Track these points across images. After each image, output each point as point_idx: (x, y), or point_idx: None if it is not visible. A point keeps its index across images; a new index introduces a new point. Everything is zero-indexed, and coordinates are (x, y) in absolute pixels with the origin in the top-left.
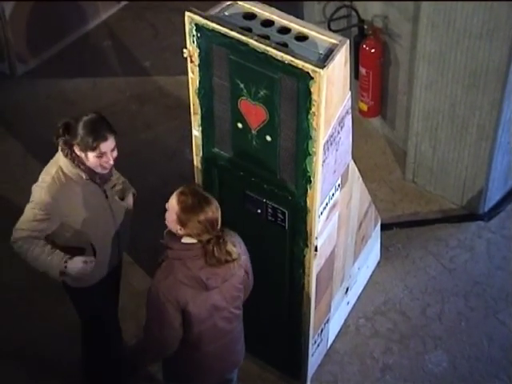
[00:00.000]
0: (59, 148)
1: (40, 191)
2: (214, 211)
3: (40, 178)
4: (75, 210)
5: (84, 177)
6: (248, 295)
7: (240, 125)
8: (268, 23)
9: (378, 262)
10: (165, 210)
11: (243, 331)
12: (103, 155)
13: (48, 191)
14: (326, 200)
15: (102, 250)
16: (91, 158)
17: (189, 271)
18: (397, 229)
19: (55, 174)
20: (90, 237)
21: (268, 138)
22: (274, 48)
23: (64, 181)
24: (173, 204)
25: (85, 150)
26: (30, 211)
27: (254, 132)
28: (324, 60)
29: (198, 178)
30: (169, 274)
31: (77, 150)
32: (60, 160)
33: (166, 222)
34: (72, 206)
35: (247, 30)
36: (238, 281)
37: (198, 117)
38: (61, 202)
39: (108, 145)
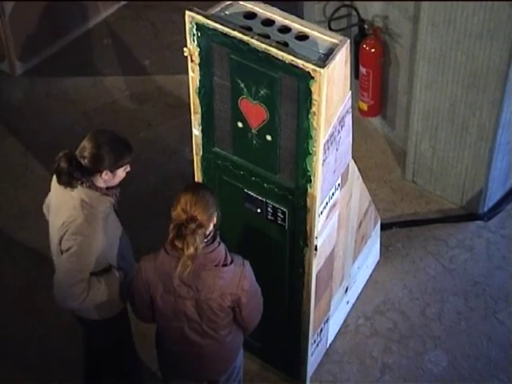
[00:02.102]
0: (76, 184)
1: (75, 237)
2: (187, 200)
3: (65, 227)
4: (105, 235)
5: (109, 199)
6: (248, 327)
7: (240, 124)
8: (268, 22)
9: (378, 262)
10: (165, 210)
11: (228, 354)
12: (128, 164)
13: (84, 233)
14: (326, 199)
15: (126, 265)
16: (120, 173)
17: (166, 267)
18: (396, 228)
19: (82, 212)
20: (110, 258)
21: (268, 138)
22: (275, 47)
23: (92, 210)
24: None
25: (116, 168)
26: (74, 260)
27: (254, 131)
28: (324, 59)
29: (198, 178)
30: (155, 257)
31: (104, 175)
32: (79, 195)
33: None
34: (103, 232)
35: (248, 29)
36: (216, 307)
37: (199, 116)
38: (97, 235)
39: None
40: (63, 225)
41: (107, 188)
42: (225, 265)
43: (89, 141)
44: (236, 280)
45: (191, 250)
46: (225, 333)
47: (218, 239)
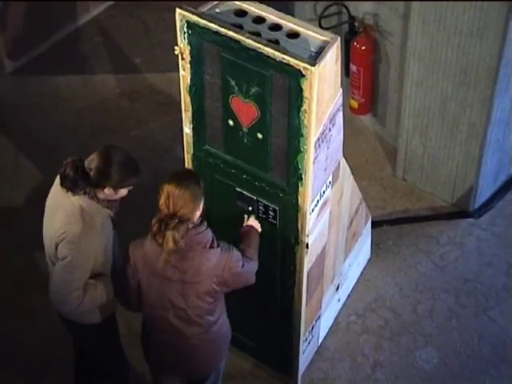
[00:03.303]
0: (78, 191)
1: (72, 246)
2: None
3: (62, 234)
4: (101, 245)
5: (108, 211)
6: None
7: (231, 122)
8: (259, 20)
9: (369, 259)
10: (155, 208)
11: (215, 347)
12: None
13: (81, 242)
14: (317, 197)
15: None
16: (123, 192)
17: (152, 252)
18: (387, 226)
19: (81, 221)
20: (104, 266)
21: (259, 136)
22: (266, 45)
23: (90, 220)
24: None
25: (120, 188)
26: (70, 269)
27: (245, 129)
28: (315, 57)
29: None
30: (142, 242)
31: (106, 190)
32: (79, 203)
33: None
34: (99, 243)
35: (238, 27)
36: (202, 290)
37: (190, 114)
38: (93, 245)
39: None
40: (60, 231)
41: (108, 201)
42: (212, 247)
43: (100, 155)
44: (222, 263)
45: (170, 245)
46: (210, 320)
47: (205, 223)
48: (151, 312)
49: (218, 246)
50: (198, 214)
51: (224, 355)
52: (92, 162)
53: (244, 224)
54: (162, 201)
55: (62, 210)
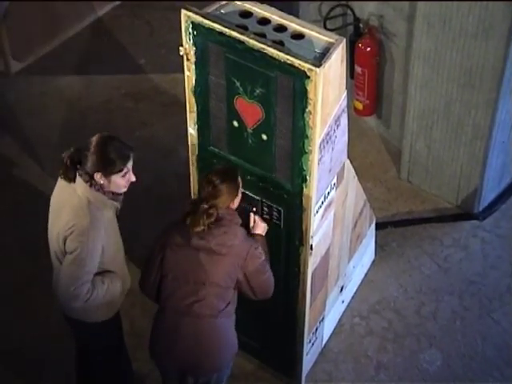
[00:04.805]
0: (81, 181)
1: (82, 239)
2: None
3: (71, 228)
4: (107, 238)
5: (114, 204)
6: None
7: (236, 123)
8: (264, 21)
9: (373, 261)
10: (160, 209)
11: (223, 342)
12: (127, 173)
13: (90, 235)
14: (322, 199)
15: (121, 272)
16: (117, 180)
17: (185, 225)
18: (392, 228)
19: (89, 214)
20: (107, 261)
21: (264, 137)
22: (271, 46)
23: (97, 213)
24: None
25: (109, 175)
26: (79, 262)
27: (249, 130)
28: (320, 59)
29: (194, 177)
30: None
31: (97, 178)
32: (86, 196)
33: None
34: (106, 236)
35: (243, 28)
36: (224, 267)
37: (194, 115)
38: (102, 236)
39: (131, 162)
40: (69, 225)
41: (113, 193)
42: (241, 225)
43: (91, 142)
44: (246, 248)
45: (196, 228)
46: (222, 307)
47: (238, 214)
48: (173, 285)
49: (248, 231)
50: (231, 205)
51: (229, 362)
52: (84, 149)
53: (251, 225)
54: (202, 186)
55: (68, 206)
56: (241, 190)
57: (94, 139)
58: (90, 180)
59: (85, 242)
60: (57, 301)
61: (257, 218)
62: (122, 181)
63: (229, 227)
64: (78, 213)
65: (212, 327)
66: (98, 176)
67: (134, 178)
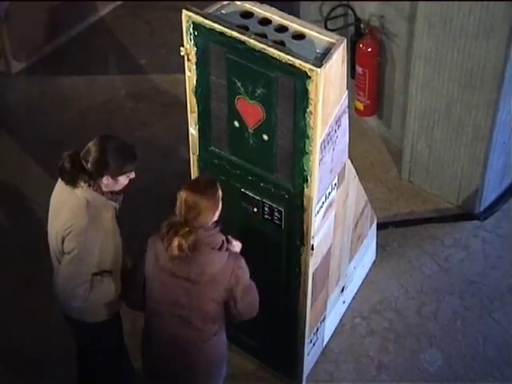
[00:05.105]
0: (80, 184)
1: (79, 239)
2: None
3: (69, 227)
4: (106, 239)
5: (113, 204)
6: (243, 318)
7: (237, 123)
8: (265, 22)
9: (374, 261)
10: (160, 209)
11: (209, 361)
12: (132, 171)
13: (88, 235)
14: (323, 199)
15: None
16: (123, 180)
17: (163, 246)
18: (393, 228)
19: (87, 214)
20: (105, 261)
21: (265, 137)
22: (272, 47)
23: (95, 213)
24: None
25: (118, 175)
26: (77, 262)
27: (250, 131)
28: (321, 59)
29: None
30: (155, 235)
31: (105, 180)
32: (84, 196)
33: None
34: (105, 236)
35: (244, 29)
36: (207, 293)
37: (195, 115)
38: (100, 236)
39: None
40: (67, 224)
41: (112, 193)
42: (220, 249)
43: (94, 145)
44: (229, 270)
45: (175, 251)
46: (211, 329)
47: (219, 227)
48: (155, 308)
49: (227, 250)
50: (212, 220)
51: (221, 372)
52: (88, 153)
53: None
54: (177, 205)
55: (67, 205)
56: (220, 201)
57: (96, 142)
58: (89, 181)
59: (82, 242)
60: (57, 300)
61: (229, 237)
62: (126, 180)
63: (208, 254)
64: (77, 213)
65: (201, 351)
66: (105, 178)
67: (133, 175)
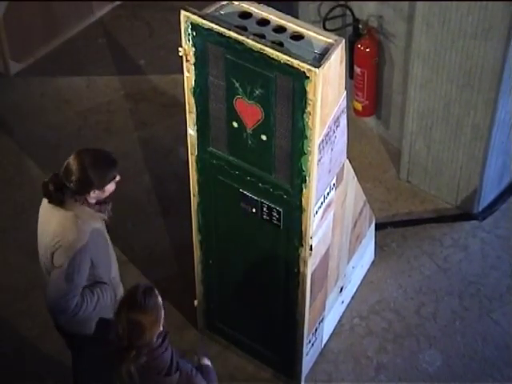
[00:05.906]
0: (69, 202)
1: (69, 254)
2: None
3: (58, 242)
4: (96, 251)
5: (101, 215)
6: None
7: (235, 124)
8: (264, 22)
9: (373, 262)
10: (160, 209)
11: None
12: (116, 176)
13: (76, 249)
14: (321, 199)
15: (113, 282)
16: (110, 187)
17: None
18: (391, 228)
19: (76, 228)
20: (98, 273)
21: (263, 138)
22: (270, 47)
23: (84, 227)
24: None
25: (104, 186)
26: (67, 277)
27: (249, 131)
28: (320, 59)
29: (193, 178)
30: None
31: (92, 193)
32: (72, 210)
33: None
34: (94, 248)
35: (243, 29)
36: None
37: (194, 116)
38: (90, 249)
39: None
40: (55, 240)
41: (99, 204)
42: (168, 374)
43: (74, 164)
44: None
45: (125, 379)
46: None
47: (167, 343)
48: None
49: (178, 370)
50: (157, 333)
51: None
52: (68, 173)
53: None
54: (120, 330)
55: (55, 219)
56: (162, 309)
57: (75, 161)
58: (75, 196)
59: (71, 257)
60: (47, 311)
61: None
62: (113, 185)
63: (155, 382)
64: (65, 227)
65: None
66: (92, 192)
67: (118, 177)
